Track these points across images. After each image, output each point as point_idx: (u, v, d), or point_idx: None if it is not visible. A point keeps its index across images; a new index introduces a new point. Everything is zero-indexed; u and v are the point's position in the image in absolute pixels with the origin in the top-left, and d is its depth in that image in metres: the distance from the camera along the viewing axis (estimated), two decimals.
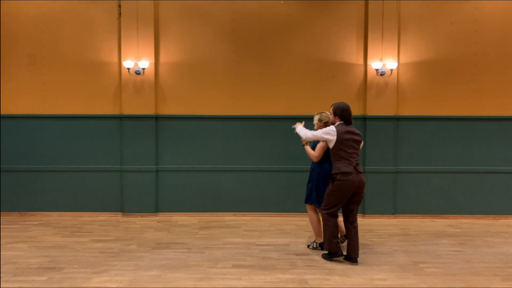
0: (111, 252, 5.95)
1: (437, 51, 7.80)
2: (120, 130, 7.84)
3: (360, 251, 5.99)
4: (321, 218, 5.85)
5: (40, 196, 7.90)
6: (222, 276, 5.11)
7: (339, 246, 5.65)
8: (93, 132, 7.85)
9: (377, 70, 7.67)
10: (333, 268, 5.41)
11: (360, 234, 6.76)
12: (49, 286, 4.83)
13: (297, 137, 7.85)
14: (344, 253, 5.69)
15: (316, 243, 6.11)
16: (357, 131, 5.68)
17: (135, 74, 7.67)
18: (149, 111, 7.77)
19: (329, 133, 5.52)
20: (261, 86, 7.87)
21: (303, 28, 7.84)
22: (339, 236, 5.80)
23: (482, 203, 7.86)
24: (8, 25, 7.78)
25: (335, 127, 5.56)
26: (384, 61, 7.68)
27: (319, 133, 5.62)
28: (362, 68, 7.83)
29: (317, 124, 6.00)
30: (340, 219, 5.83)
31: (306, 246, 6.21)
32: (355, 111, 7.85)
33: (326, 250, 5.74)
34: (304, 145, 6.06)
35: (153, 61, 7.74)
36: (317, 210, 6.04)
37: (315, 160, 5.89)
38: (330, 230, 5.59)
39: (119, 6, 7.73)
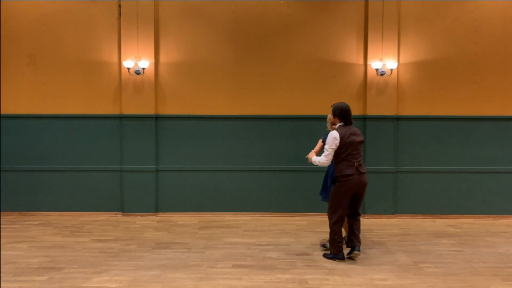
0: (111, 252, 5.95)
1: (437, 51, 7.80)
2: (120, 130, 7.84)
3: (360, 251, 5.99)
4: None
5: (40, 196, 7.90)
6: (222, 276, 5.11)
7: (342, 249, 5.67)
8: (93, 132, 7.85)
9: (377, 70, 7.67)
10: (333, 268, 5.41)
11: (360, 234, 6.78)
12: (49, 286, 4.83)
13: (297, 137, 7.89)
14: (347, 255, 5.72)
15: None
16: (358, 132, 5.69)
17: (135, 74, 7.67)
18: (149, 111, 7.77)
19: (335, 143, 5.49)
20: (261, 86, 7.87)
21: (303, 28, 7.84)
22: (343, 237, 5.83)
23: (482, 203, 7.86)
24: (8, 25, 7.78)
25: (337, 131, 5.54)
26: (384, 61, 7.68)
27: (329, 149, 5.53)
28: (362, 68, 7.83)
29: (330, 119, 5.96)
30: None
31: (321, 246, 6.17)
32: (355, 111, 7.85)
33: (329, 251, 5.75)
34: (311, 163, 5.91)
35: (153, 61, 7.74)
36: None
37: (328, 164, 5.72)
38: (335, 238, 5.63)
39: (119, 6, 7.73)
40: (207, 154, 7.91)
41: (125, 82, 7.74)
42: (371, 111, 7.75)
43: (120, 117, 7.81)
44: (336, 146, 5.49)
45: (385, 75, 7.67)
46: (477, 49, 7.78)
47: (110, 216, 7.86)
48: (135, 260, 5.64)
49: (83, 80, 7.83)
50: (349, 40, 7.83)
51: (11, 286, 4.81)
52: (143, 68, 7.65)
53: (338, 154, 5.53)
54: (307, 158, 5.92)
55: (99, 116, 7.84)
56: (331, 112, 5.77)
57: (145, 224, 7.43)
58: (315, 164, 5.68)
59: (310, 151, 7.61)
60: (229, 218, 7.81)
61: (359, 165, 5.56)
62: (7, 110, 7.84)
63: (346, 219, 5.80)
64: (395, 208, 7.87)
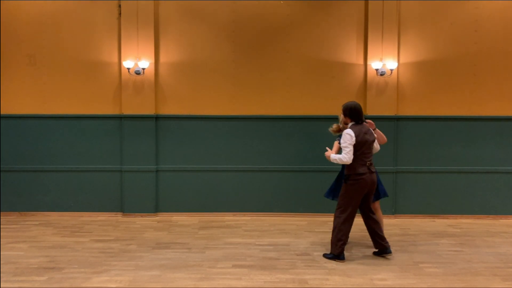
0: (111, 252, 5.95)
1: (437, 51, 7.80)
2: (120, 130, 7.84)
3: (360, 251, 6.01)
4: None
5: (40, 196, 7.89)
6: (222, 276, 5.11)
7: (343, 250, 5.67)
8: (93, 132, 7.85)
9: (377, 70, 7.67)
10: (333, 268, 5.41)
11: (360, 234, 6.80)
12: (49, 286, 4.83)
13: (297, 137, 7.89)
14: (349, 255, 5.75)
15: None
16: (371, 130, 5.69)
17: (135, 74, 7.67)
18: (149, 111, 7.77)
19: (352, 140, 5.46)
20: (261, 86, 7.87)
21: (303, 28, 7.84)
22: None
23: (482, 203, 7.86)
24: (8, 25, 7.78)
25: (352, 129, 5.53)
26: (384, 61, 7.68)
27: (348, 147, 5.47)
28: (362, 68, 7.83)
29: (340, 124, 5.97)
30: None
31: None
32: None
33: (331, 250, 5.73)
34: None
35: (153, 61, 7.74)
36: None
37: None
38: (339, 236, 5.62)
39: (119, 6, 7.73)
40: (207, 154, 7.91)
41: (125, 82, 7.74)
42: (371, 111, 7.75)
43: (120, 117, 7.81)
44: (353, 142, 5.47)
45: (385, 75, 7.67)
46: (477, 49, 7.78)
47: (110, 216, 7.86)
48: (135, 260, 5.64)
49: (83, 80, 7.83)
50: (349, 40, 7.83)
51: (11, 286, 4.81)
52: (143, 68, 7.65)
53: (354, 151, 5.51)
54: (323, 156, 5.90)
55: (99, 116, 7.84)
56: (342, 112, 5.75)
57: (145, 224, 7.42)
58: (334, 162, 5.60)
59: (310, 151, 7.66)
60: (229, 218, 7.81)
61: (370, 164, 5.58)
62: (7, 110, 7.84)
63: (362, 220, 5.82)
64: (395, 208, 7.87)
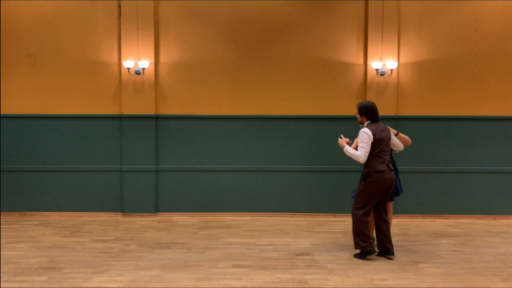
0: (111, 252, 5.95)
1: (437, 51, 7.80)
2: (120, 130, 7.84)
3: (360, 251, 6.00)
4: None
5: (40, 196, 7.89)
6: (222, 276, 5.11)
7: (371, 244, 5.65)
8: (93, 132, 7.85)
9: (377, 70, 7.67)
10: (333, 268, 5.41)
11: None
12: (49, 286, 4.83)
13: (297, 137, 7.89)
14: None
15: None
16: (387, 128, 5.70)
17: (135, 74, 7.67)
18: (149, 111, 7.77)
19: (369, 139, 5.49)
20: (261, 86, 7.87)
21: (303, 28, 7.84)
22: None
23: (482, 203, 7.86)
24: (8, 25, 7.78)
25: (368, 128, 5.55)
26: (384, 61, 7.68)
27: (365, 146, 5.49)
28: (362, 68, 7.83)
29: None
30: None
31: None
32: (355, 111, 7.84)
33: (358, 249, 5.71)
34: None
35: (153, 61, 7.74)
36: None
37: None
38: (362, 229, 5.60)
39: (119, 6, 7.73)
40: (207, 154, 7.91)
41: (125, 82, 7.74)
42: None
43: (120, 117, 7.81)
44: (371, 141, 5.49)
45: (385, 75, 7.67)
46: (477, 49, 7.78)
47: (110, 216, 7.86)
48: (135, 260, 5.64)
49: (83, 80, 7.83)
50: (349, 40, 7.83)
51: (11, 286, 4.81)
52: (143, 68, 7.65)
53: (371, 150, 5.53)
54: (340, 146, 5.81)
55: (99, 116, 7.84)
56: (357, 111, 5.77)
57: (145, 224, 7.42)
58: (347, 154, 5.62)
59: (310, 151, 7.63)
60: (229, 218, 7.81)
61: (389, 161, 5.61)
62: (7, 110, 7.84)
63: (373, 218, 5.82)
64: (395, 208, 7.85)
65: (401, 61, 7.80)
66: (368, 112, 5.67)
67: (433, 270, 5.37)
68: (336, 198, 7.87)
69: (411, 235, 6.85)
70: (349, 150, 5.62)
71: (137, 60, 7.66)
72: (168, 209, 7.93)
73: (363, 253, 5.68)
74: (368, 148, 5.50)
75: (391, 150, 5.87)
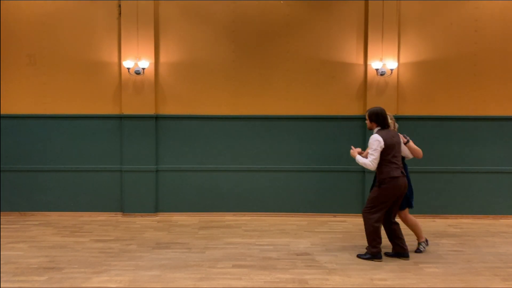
0: (111, 252, 5.95)
1: (437, 51, 7.80)
2: (120, 130, 7.84)
3: (360, 251, 5.99)
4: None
5: (40, 196, 7.89)
6: (222, 276, 5.11)
7: (380, 251, 5.66)
8: (93, 132, 7.85)
9: (377, 70, 7.67)
10: (333, 268, 5.41)
11: (360, 234, 6.80)
12: (49, 286, 4.83)
13: (297, 137, 7.89)
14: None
15: (422, 243, 6.03)
16: (397, 134, 5.69)
17: (135, 74, 7.67)
18: (149, 111, 7.77)
19: (379, 145, 5.47)
20: (261, 86, 7.88)
21: (303, 28, 7.84)
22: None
23: (482, 203, 7.85)
24: (8, 25, 7.78)
25: (379, 134, 5.53)
26: (384, 61, 7.68)
27: (374, 153, 5.49)
28: (362, 68, 7.83)
29: (391, 123, 5.89)
30: None
31: (414, 252, 5.97)
32: (355, 111, 7.88)
33: (367, 251, 5.69)
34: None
35: (153, 61, 7.74)
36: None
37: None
38: (374, 235, 5.59)
39: (119, 6, 7.73)
40: (207, 154, 7.91)
41: (125, 82, 7.74)
42: None
43: (120, 117, 7.81)
44: (381, 148, 5.47)
45: (385, 75, 7.67)
46: (477, 49, 7.78)
47: (110, 216, 7.86)
48: (135, 260, 5.64)
49: (83, 80, 7.83)
50: (349, 40, 7.83)
51: (11, 286, 4.81)
52: (143, 68, 7.65)
53: (384, 156, 5.51)
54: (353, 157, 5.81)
55: (99, 116, 7.84)
56: (366, 117, 5.73)
57: (145, 224, 7.42)
58: (358, 163, 5.64)
59: (310, 151, 7.64)
60: (229, 218, 7.81)
61: (402, 167, 5.62)
62: (7, 110, 7.84)
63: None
64: None
65: (401, 61, 7.80)
66: (378, 118, 5.63)
67: (433, 270, 5.37)
68: (336, 198, 7.88)
69: (411, 235, 6.83)
70: (360, 159, 5.62)
71: (137, 60, 7.66)
72: (168, 209, 7.93)
73: (371, 256, 5.65)
74: (377, 155, 5.49)
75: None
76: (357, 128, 7.84)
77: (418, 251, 5.98)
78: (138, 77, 7.70)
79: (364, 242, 6.41)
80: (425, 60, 7.81)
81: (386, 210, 5.66)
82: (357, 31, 7.81)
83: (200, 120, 7.87)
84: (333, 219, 7.80)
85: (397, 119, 7.77)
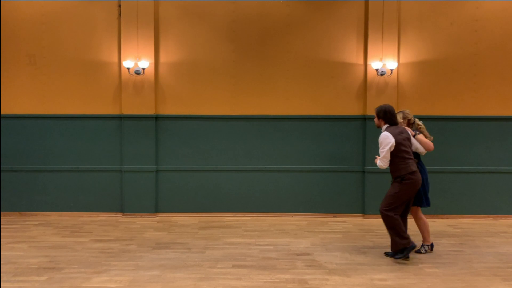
0: (111, 252, 5.95)
1: (437, 51, 7.80)
2: (120, 130, 7.84)
3: (360, 251, 6.00)
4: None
5: (40, 196, 7.89)
6: (222, 276, 5.11)
7: (410, 239, 5.55)
8: (93, 132, 7.85)
9: (377, 70, 7.67)
10: (333, 268, 5.41)
11: (360, 234, 6.81)
12: (49, 286, 4.83)
13: (297, 137, 7.89)
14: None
15: (426, 246, 6.00)
16: (405, 130, 5.68)
17: (135, 74, 7.67)
18: (149, 111, 7.77)
19: (388, 143, 5.47)
20: (261, 86, 7.88)
21: (303, 28, 7.84)
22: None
23: (482, 203, 7.85)
24: (8, 25, 7.78)
25: (387, 131, 5.52)
26: (384, 61, 7.68)
27: (383, 152, 5.50)
28: (362, 68, 7.83)
29: (401, 123, 5.87)
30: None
31: (415, 252, 5.94)
32: (355, 111, 7.88)
33: (397, 249, 5.58)
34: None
35: (153, 61, 7.74)
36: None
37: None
38: (398, 228, 5.52)
39: (119, 6, 7.73)
40: (207, 154, 7.91)
41: (125, 82, 7.74)
42: (371, 111, 7.73)
43: (120, 117, 7.81)
44: (391, 146, 5.47)
45: (385, 75, 7.67)
46: (477, 49, 7.78)
47: (110, 216, 7.86)
48: (135, 260, 5.64)
49: (83, 80, 7.83)
50: (349, 40, 7.83)
51: (11, 286, 4.81)
52: (143, 68, 7.65)
53: (397, 153, 5.51)
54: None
55: (99, 116, 7.84)
56: (375, 115, 5.73)
57: (145, 224, 7.42)
58: (381, 167, 5.64)
59: (310, 151, 7.68)
60: (229, 218, 7.81)
61: (415, 161, 5.66)
62: (7, 110, 7.84)
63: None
64: None
65: (401, 61, 7.80)
66: (386, 116, 5.62)
67: (433, 270, 5.37)
68: (336, 198, 7.88)
69: (411, 235, 6.81)
70: (379, 164, 5.61)
71: (137, 60, 7.66)
72: (168, 209, 7.93)
73: (405, 250, 5.55)
74: (386, 153, 5.49)
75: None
76: (357, 128, 7.85)
77: (418, 251, 5.97)
78: (138, 77, 7.70)
79: (365, 242, 6.42)
80: (425, 60, 7.81)
81: (404, 205, 5.63)
82: (357, 31, 7.81)
83: (200, 120, 7.87)
84: (333, 219, 7.80)
85: None
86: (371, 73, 7.75)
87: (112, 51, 7.81)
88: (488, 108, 7.81)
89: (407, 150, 5.56)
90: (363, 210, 7.84)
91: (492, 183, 7.83)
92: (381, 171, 7.73)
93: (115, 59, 7.81)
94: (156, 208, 7.91)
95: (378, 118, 5.69)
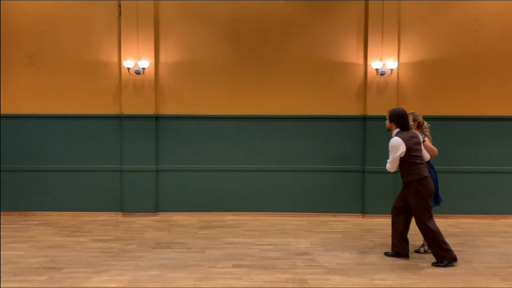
0: (111, 252, 5.95)
1: (437, 51, 7.80)
2: (120, 130, 7.84)
3: (360, 251, 6.00)
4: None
5: (40, 196, 7.89)
6: (222, 276, 5.11)
7: (452, 250, 5.49)
8: (93, 132, 7.85)
9: (377, 70, 7.67)
10: (333, 268, 5.41)
11: (360, 234, 6.81)
12: (49, 286, 4.83)
13: (297, 137, 7.89)
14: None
15: (426, 246, 5.97)
16: (416, 134, 5.63)
17: (135, 74, 7.67)
18: (149, 111, 7.77)
19: (398, 150, 5.43)
20: (261, 86, 7.88)
21: (303, 28, 7.84)
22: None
23: (482, 203, 7.85)
24: (8, 25, 7.78)
25: (398, 136, 5.48)
26: (384, 61, 7.68)
27: (392, 157, 5.50)
28: (362, 68, 7.83)
29: (411, 125, 5.82)
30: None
31: (414, 252, 5.96)
32: (355, 111, 7.88)
33: (440, 259, 5.48)
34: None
35: (153, 61, 7.74)
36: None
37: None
38: (438, 239, 5.46)
39: (119, 6, 7.73)
40: (207, 154, 7.91)
41: (125, 82, 7.74)
42: (371, 111, 7.75)
43: (120, 117, 7.81)
44: (402, 150, 5.42)
45: (385, 75, 7.67)
46: (477, 49, 7.78)
47: (110, 216, 7.86)
48: (135, 260, 5.64)
49: (83, 80, 7.83)
50: (349, 40, 7.83)
51: (11, 286, 4.81)
52: (143, 68, 7.65)
53: (409, 159, 5.46)
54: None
55: (99, 116, 7.84)
56: (387, 117, 5.67)
57: (145, 224, 7.43)
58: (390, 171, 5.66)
59: (310, 151, 7.68)
60: (229, 218, 7.81)
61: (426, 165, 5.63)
62: (7, 110, 7.84)
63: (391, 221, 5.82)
64: None
65: (401, 61, 7.80)
66: (399, 120, 5.55)
67: (433, 270, 5.37)
68: (336, 198, 7.88)
69: (411, 235, 6.82)
70: (389, 169, 5.63)
71: (137, 60, 7.66)
72: (168, 209, 7.93)
73: (448, 260, 5.46)
74: (395, 159, 5.47)
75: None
76: (357, 128, 7.85)
77: (417, 251, 5.98)
78: (138, 77, 7.71)
79: (365, 242, 6.42)
80: (425, 60, 7.81)
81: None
82: (357, 31, 7.81)
83: (200, 120, 7.87)
84: (333, 219, 7.80)
85: None
86: (371, 73, 7.75)
87: (112, 51, 7.81)
88: (488, 108, 7.81)
89: (418, 155, 5.51)
90: (363, 210, 7.84)
91: (492, 183, 7.83)
92: (381, 171, 7.73)
93: (115, 59, 7.81)
94: (156, 207, 7.91)
95: (390, 121, 5.61)
